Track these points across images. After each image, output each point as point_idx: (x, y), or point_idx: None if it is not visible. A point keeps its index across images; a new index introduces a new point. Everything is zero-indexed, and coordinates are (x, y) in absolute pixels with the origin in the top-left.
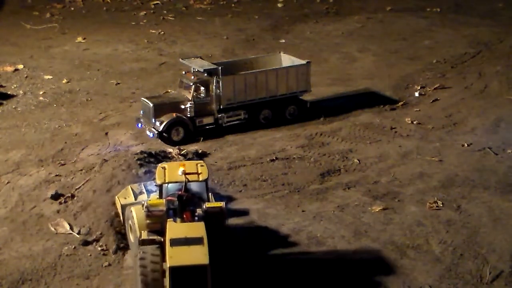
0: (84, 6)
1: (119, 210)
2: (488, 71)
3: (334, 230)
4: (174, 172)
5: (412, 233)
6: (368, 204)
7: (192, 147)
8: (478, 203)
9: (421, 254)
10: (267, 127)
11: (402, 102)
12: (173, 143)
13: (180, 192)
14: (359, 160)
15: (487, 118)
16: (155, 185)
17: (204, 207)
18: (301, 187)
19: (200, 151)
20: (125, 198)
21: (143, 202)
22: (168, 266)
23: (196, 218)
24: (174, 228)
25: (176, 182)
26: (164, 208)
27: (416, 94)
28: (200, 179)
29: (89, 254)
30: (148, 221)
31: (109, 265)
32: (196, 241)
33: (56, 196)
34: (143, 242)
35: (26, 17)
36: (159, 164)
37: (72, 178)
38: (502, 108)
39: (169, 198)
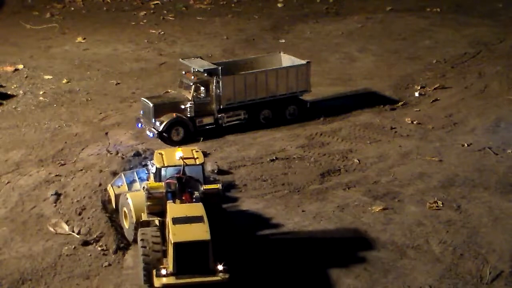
0: (84, 6)
1: (112, 198)
2: (488, 71)
3: (334, 230)
4: (172, 156)
5: (412, 233)
6: (368, 204)
7: (192, 147)
8: (478, 203)
9: (421, 254)
10: (267, 127)
11: (402, 102)
12: (173, 143)
13: (178, 175)
14: (359, 160)
15: (487, 118)
16: (153, 169)
17: (202, 189)
18: (301, 187)
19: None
20: (118, 186)
21: (143, 186)
22: (172, 242)
23: (194, 200)
24: (175, 209)
25: (175, 166)
26: (164, 190)
27: (416, 94)
28: (197, 162)
29: (89, 254)
30: (148, 203)
31: (109, 265)
32: (197, 219)
33: (56, 196)
34: (142, 224)
35: (26, 17)
36: (156, 151)
37: (72, 178)
38: (502, 108)
39: (168, 181)
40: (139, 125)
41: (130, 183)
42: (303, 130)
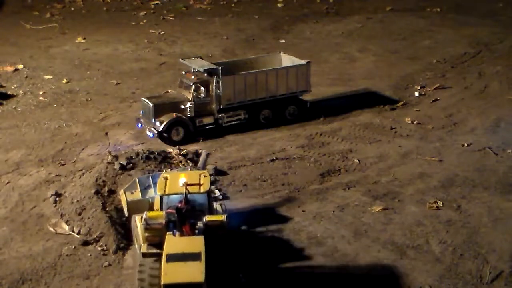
0: (84, 6)
1: (124, 206)
2: (488, 71)
3: (334, 230)
4: (175, 183)
5: (412, 233)
6: (368, 204)
7: (192, 147)
8: (478, 203)
9: (421, 254)
10: (267, 127)
11: (402, 102)
12: (173, 143)
13: (179, 205)
14: (359, 160)
15: (487, 118)
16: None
17: (205, 220)
18: (301, 187)
19: (200, 151)
20: (132, 193)
21: (143, 216)
22: (162, 283)
23: (197, 231)
24: (172, 243)
25: (176, 194)
26: (164, 221)
27: (416, 94)
28: (201, 191)
29: (89, 254)
30: (147, 234)
31: (109, 265)
32: (194, 256)
33: (56, 196)
34: (143, 255)
35: (26, 17)
36: (162, 174)
37: (72, 178)
38: (502, 108)
39: (169, 210)
40: (139, 125)
41: (145, 189)
42: (303, 130)
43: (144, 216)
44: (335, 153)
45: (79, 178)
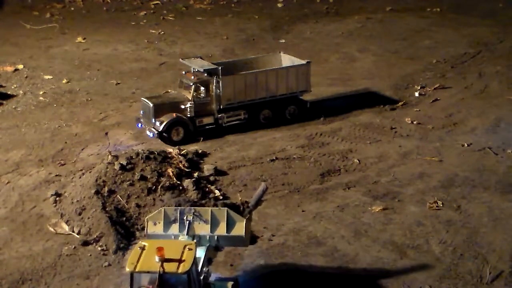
0: (84, 6)
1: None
2: (488, 71)
3: (334, 230)
4: (151, 256)
5: (412, 233)
6: (368, 204)
7: (192, 147)
8: (478, 203)
9: (421, 254)
10: (267, 127)
11: (402, 102)
12: (173, 143)
13: (149, 287)
14: (359, 160)
15: (487, 118)
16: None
17: None
18: (301, 187)
19: (200, 151)
20: (155, 223)
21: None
22: None
23: None
24: None
25: (148, 272)
26: None
27: (416, 94)
28: (180, 271)
29: (89, 254)
30: None
31: (109, 265)
32: None
33: (56, 196)
34: None
35: (26, 17)
36: (139, 242)
37: (72, 178)
38: (502, 108)
39: None
40: (139, 125)
41: (169, 223)
42: (303, 130)
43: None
44: (335, 153)
45: (79, 178)
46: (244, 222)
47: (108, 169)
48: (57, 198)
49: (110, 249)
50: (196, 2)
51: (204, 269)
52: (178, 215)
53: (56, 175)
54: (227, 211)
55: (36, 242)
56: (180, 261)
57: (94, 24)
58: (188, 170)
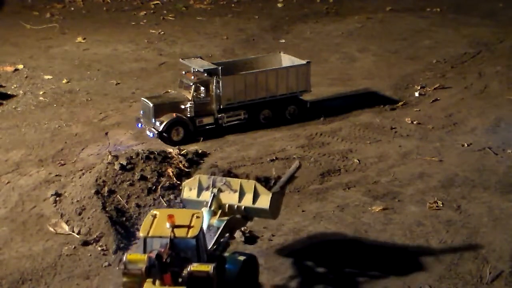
0: (84, 6)
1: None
2: (488, 71)
3: (334, 230)
4: (162, 223)
5: (412, 233)
6: (368, 204)
7: (192, 147)
8: (478, 203)
9: (421, 254)
10: (267, 127)
11: (402, 102)
12: (173, 143)
13: (162, 250)
14: (359, 160)
15: (487, 118)
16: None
17: (189, 269)
18: (301, 187)
19: (200, 151)
20: (190, 189)
21: (123, 259)
22: None
23: (180, 280)
24: None
25: (160, 237)
26: (144, 266)
27: (416, 94)
28: (189, 235)
29: (89, 254)
30: (124, 280)
31: (109, 265)
32: None
33: (56, 196)
34: None
35: (26, 17)
36: (151, 211)
37: (72, 178)
38: (502, 108)
39: (150, 254)
40: (139, 125)
41: (202, 190)
42: (303, 130)
43: (123, 258)
44: (335, 153)
45: (79, 178)
46: (270, 196)
47: (108, 169)
48: (57, 198)
49: (110, 249)
50: (196, 2)
51: (222, 239)
52: (211, 183)
53: (56, 175)
54: (254, 184)
55: (36, 242)
56: (189, 227)
57: (94, 24)
58: (188, 170)
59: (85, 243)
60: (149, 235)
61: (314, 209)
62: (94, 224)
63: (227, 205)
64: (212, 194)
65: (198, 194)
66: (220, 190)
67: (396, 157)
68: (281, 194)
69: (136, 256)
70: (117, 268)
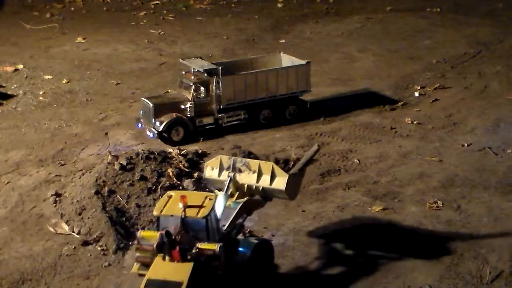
0: (84, 6)
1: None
2: (488, 71)
3: (334, 230)
4: (176, 203)
5: (412, 233)
6: (368, 204)
7: (192, 147)
8: (478, 203)
9: (421, 254)
10: (267, 127)
11: (402, 102)
12: (173, 143)
13: (173, 228)
14: (359, 160)
15: (487, 118)
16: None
17: (197, 247)
18: (301, 187)
19: (200, 151)
20: (212, 169)
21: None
22: None
23: (189, 257)
24: (158, 267)
25: (172, 215)
26: (155, 242)
27: (416, 94)
28: (199, 216)
29: (89, 254)
30: (138, 254)
31: (109, 265)
32: (174, 286)
33: (56, 196)
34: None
35: (26, 17)
36: (167, 192)
37: (72, 178)
38: (502, 108)
39: (162, 232)
40: (139, 125)
41: (223, 170)
42: (303, 130)
43: (137, 234)
44: (335, 153)
45: (79, 178)
46: (287, 178)
47: (108, 169)
48: (57, 198)
49: (110, 249)
50: (196, 2)
51: (237, 222)
52: (232, 163)
53: (56, 175)
54: (272, 165)
55: (36, 242)
56: (200, 208)
57: (94, 24)
58: (188, 170)
59: (85, 243)
60: (162, 213)
61: (314, 209)
62: (94, 224)
63: (246, 185)
64: (229, 178)
65: (219, 174)
66: (239, 171)
67: (396, 157)
68: (300, 176)
69: (149, 233)
70: (117, 268)
